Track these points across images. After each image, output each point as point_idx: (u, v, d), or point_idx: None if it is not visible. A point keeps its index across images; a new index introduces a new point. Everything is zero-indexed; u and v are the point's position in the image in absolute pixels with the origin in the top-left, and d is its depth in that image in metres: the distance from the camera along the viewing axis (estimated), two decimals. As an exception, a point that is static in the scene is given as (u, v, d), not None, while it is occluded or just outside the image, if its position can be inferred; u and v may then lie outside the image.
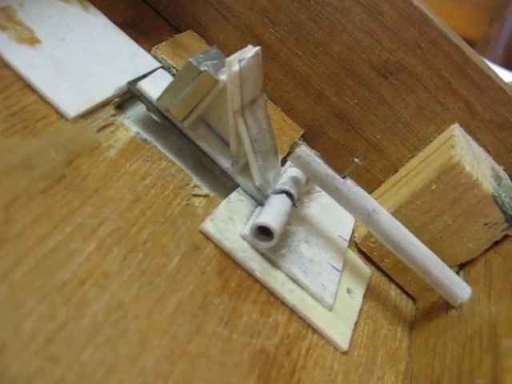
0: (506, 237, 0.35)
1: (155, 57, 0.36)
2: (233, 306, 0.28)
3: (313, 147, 0.41)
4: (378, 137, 0.40)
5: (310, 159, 0.31)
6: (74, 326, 0.23)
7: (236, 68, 0.29)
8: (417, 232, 0.33)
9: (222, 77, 0.30)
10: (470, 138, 0.38)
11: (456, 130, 0.37)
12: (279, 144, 0.36)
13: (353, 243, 0.37)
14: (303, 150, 0.31)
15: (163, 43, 0.37)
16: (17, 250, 0.23)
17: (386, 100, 0.39)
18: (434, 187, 0.34)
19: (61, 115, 0.29)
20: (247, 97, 0.31)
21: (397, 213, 0.35)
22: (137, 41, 0.37)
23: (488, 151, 0.38)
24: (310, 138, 0.41)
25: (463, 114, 0.38)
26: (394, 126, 0.39)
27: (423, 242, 0.33)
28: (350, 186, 0.31)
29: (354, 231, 0.38)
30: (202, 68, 0.30)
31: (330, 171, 0.31)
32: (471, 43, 0.38)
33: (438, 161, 0.34)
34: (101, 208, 0.27)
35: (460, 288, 0.33)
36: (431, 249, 0.33)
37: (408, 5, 0.36)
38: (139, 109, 0.33)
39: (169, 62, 0.36)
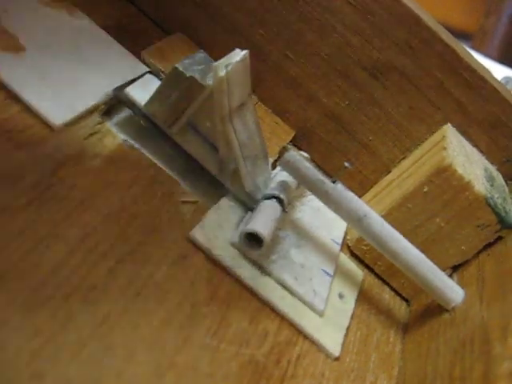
0: (498, 238, 0.34)
1: (143, 61, 0.36)
2: (221, 315, 0.28)
3: (304, 149, 0.40)
4: (370, 138, 0.39)
5: (299, 164, 0.31)
6: (60, 341, 0.22)
7: (222, 73, 0.29)
8: (409, 235, 0.33)
9: (209, 82, 0.30)
10: (462, 139, 0.38)
11: (448, 130, 0.37)
12: (270, 146, 0.36)
13: (345, 246, 0.37)
14: (292, 154, 0.31)
15: (152, 47, 0.37)
16: (0, 265, 0.23)
17: (377, 101, 0.38)
18: (425, 189, 0.34)
19: (46, 124, 0.29)
20: (235, 101, 0.31)
21: (388, 216, 0.34)
22: (124, 45, 0.36)
23: (481, 151, 0.38)
24: (302, 140, 0.40)
25: (455, 114, 0.37)
26: (386, 126, 0.39)
27: (415, 244, 0.32)
28: (340, 190, 0.31)
29: (346, 234, 0.37)
30: (189, 74, 0.30)
31: (319, 176, 0.31)
32: (467, 36, 0.38)
33: (430, 163, 0.34)
34: (86, 220, 0.27)
35: (453, 291, 0.32)
36: (424, 252, 0.32)
37: (398, 4, 0.36)
38: (127, 114, 0.33)
39: (157, 66, 0.36)
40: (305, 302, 0.30)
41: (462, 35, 0.69)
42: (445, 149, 0.34)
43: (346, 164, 0.31)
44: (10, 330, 0.22)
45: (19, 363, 0.21)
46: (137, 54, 0.36)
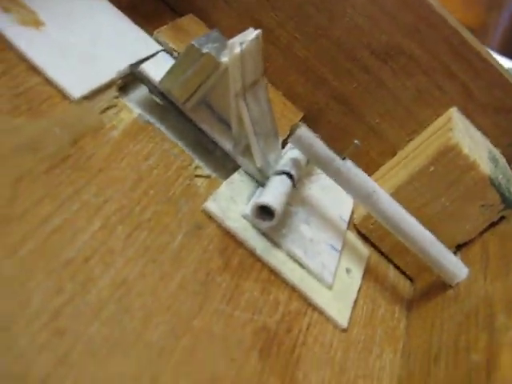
0: (502, 218, 0.35)
1: (157, 40, 0.37)
2: (235, 283, 0.28)
3: (312, 131, 0.41)
4: (377, 120, 0.40)
5: (310, 140, 0.32)
6: (80, 301, 0.23)
7: (237, 50, 0.30)
8: (415, 213, 0.34)
9: (224, 59, 0.31)
10: (467, 121, 0.38)
11: (454, 113, 0.38)
12: (279, 127, 0.37)
13: (352, 224, 0.38)
14: (304, 131, 0.32)
15: (164, 27, 0.38)
16: (23, 228, 0.24)
17: (385, 84, 0.39)
18: (431, 169, 0.34)
19: (65, 96, 0.30)
20: (248, 79, 0.31)
21: (395, 194, 0.35)
22: (139, 24, 0.37)
23: (485, 134, 0.39)
24: (310, 122, 0.41)
25: (461, 98, 0.38)
26: (393, 109, 0.39)
27: (421, 223, 0.33)
28: (349, 167, 0.32)
29: (353, 212, 0.38)
30: (204, 50, 0.30)
31: (330, 153, 0.32)
32: (469, 30, 0.39)
33: (436, 143, 0.35)
34: (105, 187, 0.28)
35: (457, 268, 0.33)
36: (429, 230, 0.33)
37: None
38: (142, 91, 0.34)
39: (170, 45, 0.36)
40: (314, 275, 0.31)
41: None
42: (451, 130, 0.34)
43: (356, 142, 0.32)
44: (33, 288, 0.22)
45: (42, 319, 0.22)
46: (150, 35, 0.37)
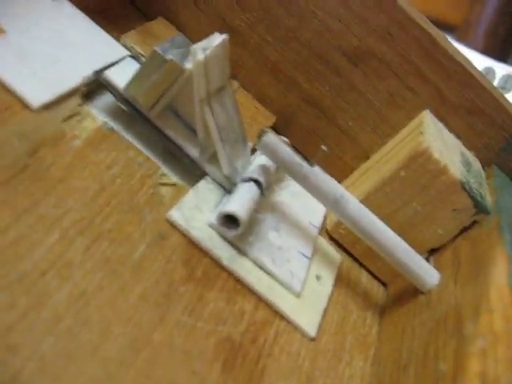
0: (474, 223, 0.35)
1: (124, 45, 0.36)
2: (198, 294, 0.28)
3: (285, 134, 0.41)
4: (350, 124, 0.40)
5: (277, 147, 0.31)
6: (35, 316, 0.23)
7: (201, 57, 0.29)
8: (386, 219, 0.33)
9: (188, 65, 0.30)
10: (440, 124, 0.38)
11: (426, 116, 0.37)
12: (250, 132, 0.36)
13: (324, 231, 0.38)
14: (270, 137, 0.31)
15: (132, 31, 0.37)
16: (-23, 241, 0.23)
17: (357, 87, 0.39)
18: (402, 174, 0.34)
19: (25, 105, 0.29)
20: (214, 85, 0.31)
21: (366, 200, 0.35)
22: (105, 29, 0.36)
23: (458, 137, 0.39)
24: (282, 126, 0.41)
25: (433, 100, 0.38)
26: (366, 113, 0.39)
27: (393, 228, 0.33)
28: (317, 173, 0.32)
29: (325, 218, 0.38)
30: (168, 57, 0.30)
31: (297, 159, 0.31)
32: (452, 28, 0.38)
33: (407, 148, 0.34)
34: (65, 198, 0.27)
35: (429, 274, 0.33)
36: (401, 235, 0.33)
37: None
38: (108, 98, 0.33)
39: (138, 50, 0.36)
40: (282, 283, 0.31)
41: (447, 27, 0.69)
42: (422, 134, 0.34)
43: (324, 147, 0.31)
44: (-15, 304, 0.22)
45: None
46: (117, 40, 0.36)
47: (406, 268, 0.33)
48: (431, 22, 0.37)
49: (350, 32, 0.37)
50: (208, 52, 0.30)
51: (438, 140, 0.35)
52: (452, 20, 0.80)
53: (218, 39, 0.31)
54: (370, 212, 0.32)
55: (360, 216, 0.32)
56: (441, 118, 0.38)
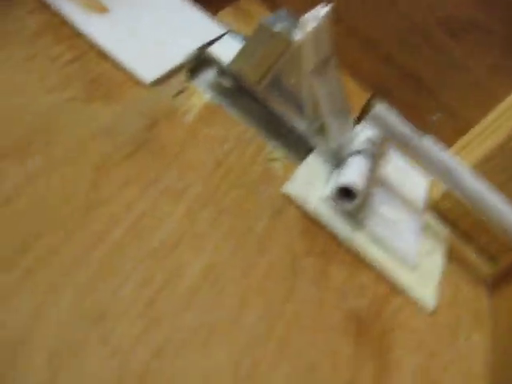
0: None
1: (220, 23, 0.36)
2: (320, 268, 0.27)
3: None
4: (450, 97, 0.39)
5: (388, 118, 0.30)
6: (171, 289, 0.23)
7: (311, 28, 0.29)
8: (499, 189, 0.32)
9: (296, 37, 0.30)
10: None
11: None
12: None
13: (429, 204, 0.37)
14: (382, 108, 0.30)
15: (227, 9, 0.37)
16: (109, 214, 0.23)
17: (457, 59, 0.37)
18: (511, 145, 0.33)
19: (137, 81, 0.29)
20: (321, 56, 0.30)
21: (476, 169, 0.33)
22: (201, 8, 0.36)
23: None
24: (380, 100, 0.40)
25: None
26: (467, 85, 0.38)
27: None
28: (429, 143, 0.31)
29: (430, 192, 0.37)
30: (276, 30, 0.29)
31: (409, 129, 0.31)
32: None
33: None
34: (185, 172, 0.27)
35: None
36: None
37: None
38: (208, 74, 0.33)
39: (233, 27, 0.35)
40: (398, 257, 0.30)
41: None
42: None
43: (435, 117, 0.30)
44: (122, 280, 0.22)
45: (135, 311, 0.21)
46: (213, 18, 0.36)
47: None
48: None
49: (452, 2, 0.36)
50: (317, 23, 0.29)
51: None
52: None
53: (323, 11, 0.30)
54: (484, 183, 0.31)
55: (474, 187, 0.31)
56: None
